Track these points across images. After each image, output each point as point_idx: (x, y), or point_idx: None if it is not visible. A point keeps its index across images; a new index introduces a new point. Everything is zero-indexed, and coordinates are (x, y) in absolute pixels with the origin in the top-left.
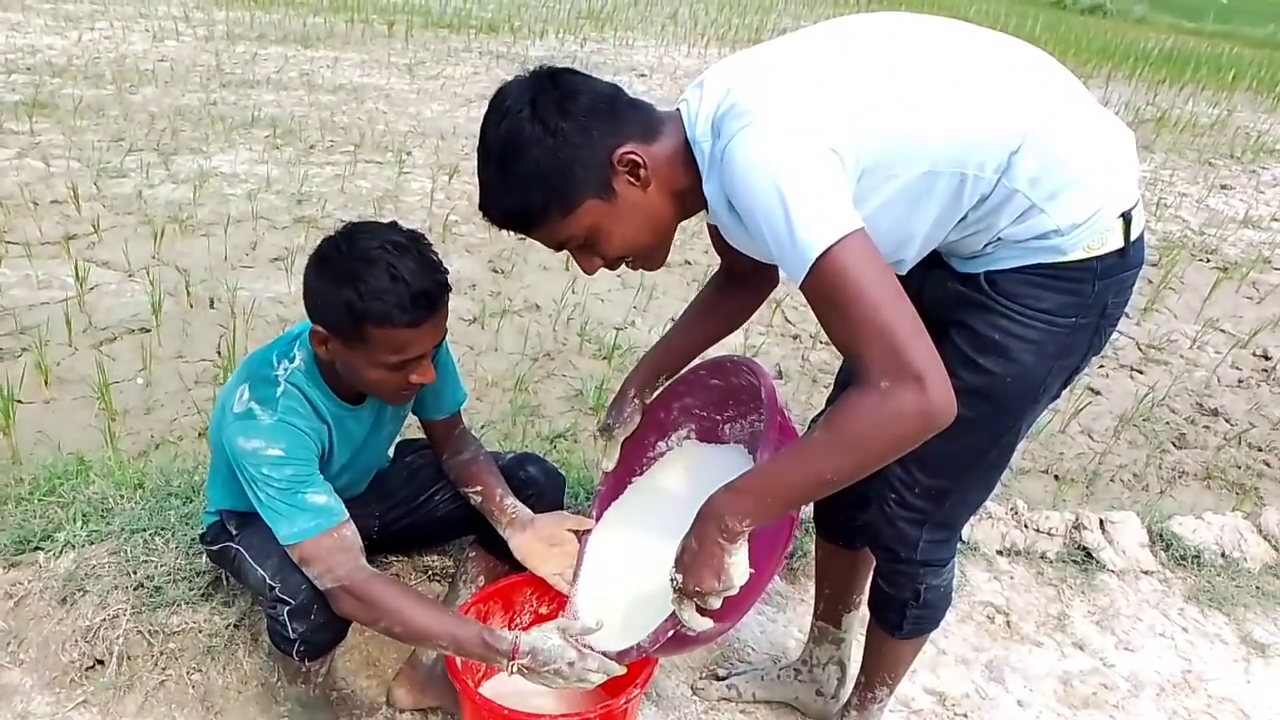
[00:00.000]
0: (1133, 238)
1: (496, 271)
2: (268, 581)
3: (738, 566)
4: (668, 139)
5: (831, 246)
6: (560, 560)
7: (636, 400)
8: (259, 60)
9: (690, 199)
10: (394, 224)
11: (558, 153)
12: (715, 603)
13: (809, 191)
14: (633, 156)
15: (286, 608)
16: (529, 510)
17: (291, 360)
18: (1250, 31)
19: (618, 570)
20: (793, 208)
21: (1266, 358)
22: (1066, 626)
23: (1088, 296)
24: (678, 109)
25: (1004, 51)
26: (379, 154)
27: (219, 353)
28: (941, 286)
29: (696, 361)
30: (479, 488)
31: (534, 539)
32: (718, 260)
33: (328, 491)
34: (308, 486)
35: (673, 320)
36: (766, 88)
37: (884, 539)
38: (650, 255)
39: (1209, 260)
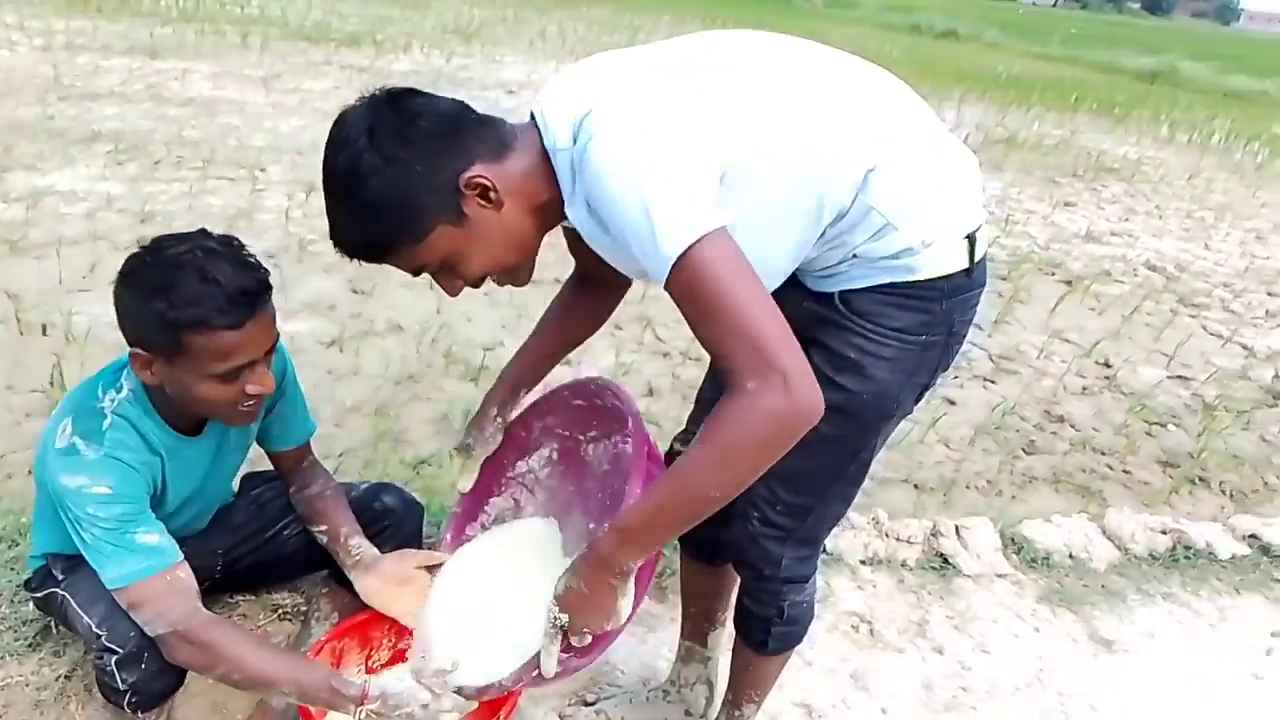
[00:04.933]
0: (977, 258)
1: (357, 292)
2: (94, 629)
3: (626, 605)
4: (521, 153)
5: (692, 246)
6: (411, 599)
7: (499, 419)
8: (101, 72)
9: (552, 210)
10: (203, 230)
11: (399, 182)
12: (589, 639)
13: (669, 191)
14: (480, 180)
15: (114, 657)
16: (374, 550)
17: (119, 390)
18: (1093, 56)
19: (470, 606)
20: (653, 208)
21: (1108, 365)
22: (927, 632)
23: (937, 315)
24: (531, 117)
25: (860, 73)
26: (231, 170)
27: (52, 383)
28: (797, 306)
29: (558, 382)
30: (324, 526)
31: (380, 581)
32: None
33: (160, 531)
34: (137, 526)
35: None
36: (625, 92)
37: (748, 557)
38: (514, 272)
39: (1054, 274)
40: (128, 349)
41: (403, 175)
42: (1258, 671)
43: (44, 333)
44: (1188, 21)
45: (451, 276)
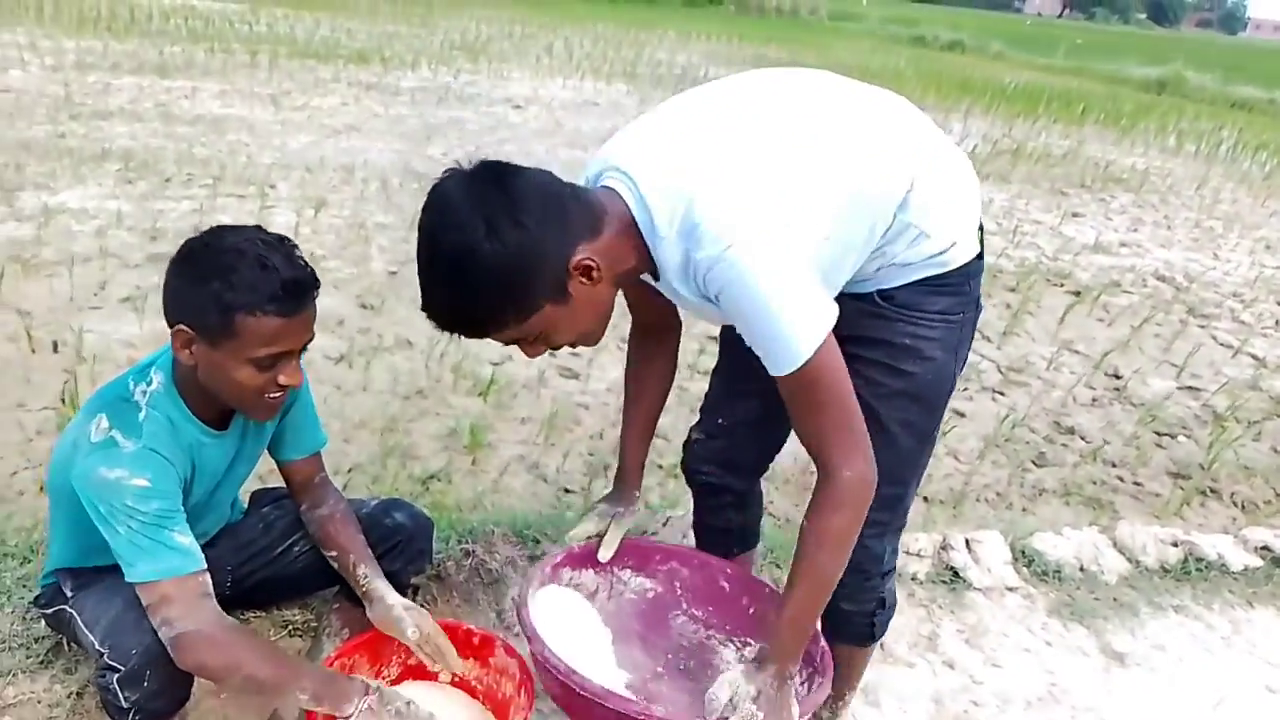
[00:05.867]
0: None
1: (365, 307)
2: (97, 647)
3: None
4: (610, 227)
5: (815, 353)
6: (421, 627)
7: (636, 494)
8: (112, 91)
9: (628, 275)
10: (258, 226)
11: (515, 267)
12: None
13: (796, 303)
14: (588, 262)
15: (116, 675)
16: (382, 582)
17: (149, 383)
18: (1098, 67)
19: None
20: (785, 320)
21: (1117, 376)
22: (937, 646)
23: (967, 295)
24: (609, 188)
25: (880, 99)
26: (240, 187)
27: (63, 400)
28: (840, 306)
29: (733, 564)
30: (334, 552)
31: (389, 612)
32: None
33: (190, 535)
34: (174, 524)
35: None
36: (726, 184)
37: (854, 561)
38: (594, 336)
39: (1063, 285)
40: (160, 351)
41: (518, 260)
42: (1271, 684)
43: (55, 350)
44: (1193, 31)
45: (541, 345)
